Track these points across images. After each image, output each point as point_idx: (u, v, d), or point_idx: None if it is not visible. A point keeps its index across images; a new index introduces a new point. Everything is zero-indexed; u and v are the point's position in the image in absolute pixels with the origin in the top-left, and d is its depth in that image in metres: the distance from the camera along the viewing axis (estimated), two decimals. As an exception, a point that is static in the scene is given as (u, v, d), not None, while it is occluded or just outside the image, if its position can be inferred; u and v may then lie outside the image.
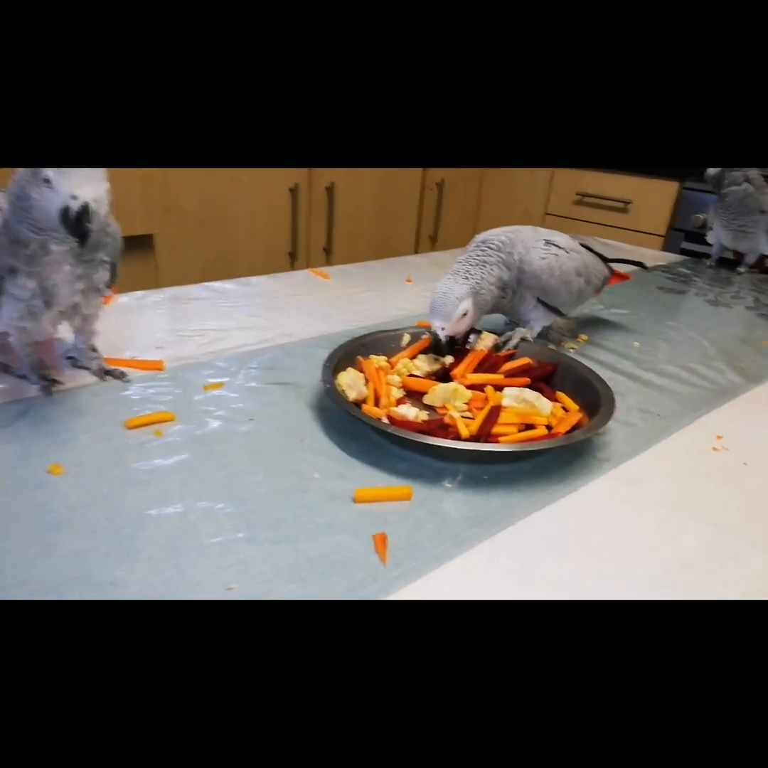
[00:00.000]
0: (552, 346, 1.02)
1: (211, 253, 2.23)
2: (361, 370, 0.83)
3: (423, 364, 0.86)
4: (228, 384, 0.83)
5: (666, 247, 2.49)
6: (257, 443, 0.69)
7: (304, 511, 0.58)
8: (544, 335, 1.04)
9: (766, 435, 0.80)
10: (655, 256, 1.80)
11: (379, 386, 0.79)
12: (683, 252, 2.41)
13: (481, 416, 0.72)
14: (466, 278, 0.84)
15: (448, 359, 0.85)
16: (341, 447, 0.69)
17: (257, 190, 2.28)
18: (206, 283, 1.24)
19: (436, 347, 0.84)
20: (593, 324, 1.16)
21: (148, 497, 0.59)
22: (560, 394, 0.81)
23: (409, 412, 0.71)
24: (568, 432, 0.71)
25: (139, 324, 1.02)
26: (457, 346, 0.85)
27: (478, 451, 0.64)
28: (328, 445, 0.70)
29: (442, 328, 0.82)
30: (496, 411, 0.72)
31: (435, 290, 0.83)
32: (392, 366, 0.85)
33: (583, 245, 1.01)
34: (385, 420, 0.71)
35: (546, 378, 0.85)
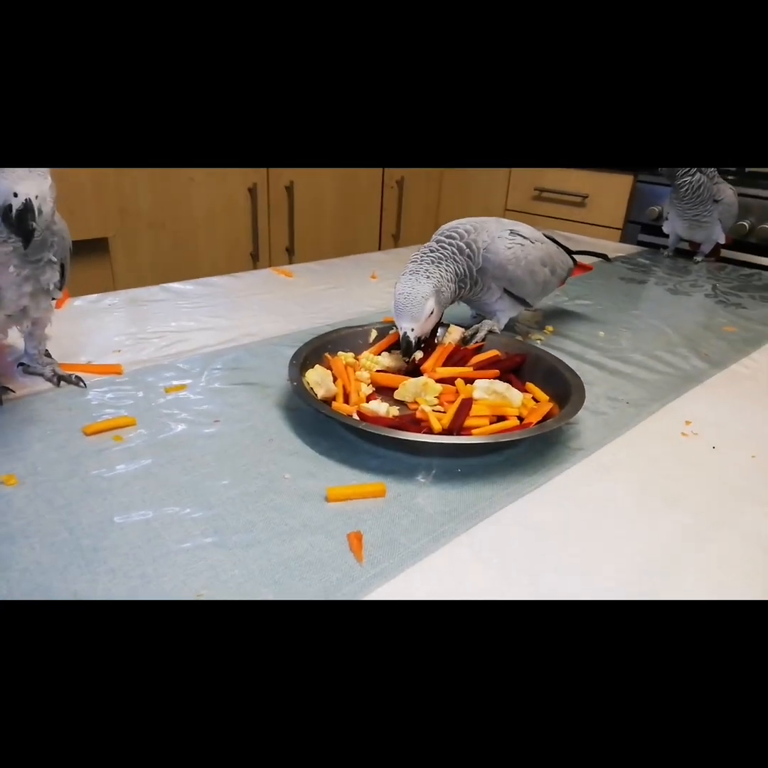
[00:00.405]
0: (519, 338, 1.02)
1: (169, 256, 2.18)
2: (328, 368, 0.81)
3: (388, 361, 0.84)
4: (191, 386, 0.80)
5: (624, 240, 2.54)
6: (223, 445, 0.67)
7: (276, 512, 0.56)
8: (510, 327, 1.04)
9: (732, 419, 0.81)
10: (615, 247, 1.83)
11: (348, 383, 0.77)
12: (641, 244, 2.46)
13: (452, 409, 0.71)
14: (428, 277, 0.82)
15: (419, 354, 0.83)
16: (311, 446, 0.67)
17: (214, 191, 2.23)
18: (165, 284, 1.21)
19: (406, 349, 0.82)
20: (559, 315, 1.16)
21: (109, 505, 0.56)
22: (530, 385, 0.81)
23: (380, 407, 0.70)
24: (539, 422, 0.71)
25: (94, 328, 0.98)
26: (423, 345, 0.84)
27: (451, 444, 0.63)
28: (297, 444, 0.68)
29: (412, 329, 0.81)
30: (467, 404, 0.71)
31: (396, 291, 0.82)
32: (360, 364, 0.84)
33: (546, 236, 1.01)
34: (356, 417, 0.70)
35: (515, 369, 0.85)
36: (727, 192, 1.56)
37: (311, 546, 0.52)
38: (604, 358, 0.97)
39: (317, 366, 0.77)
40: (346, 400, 0.75)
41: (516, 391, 0.74)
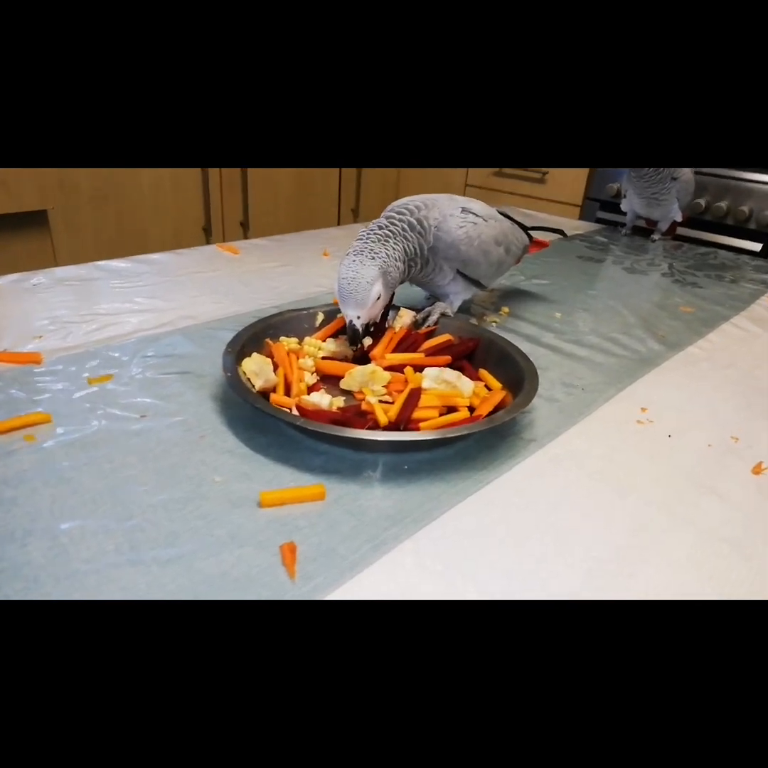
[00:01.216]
0: (473, 321, 0.98)
1: (114, 231, 2.06)
2: (270, 355, 0.76)
3: (335, 347, 0.80)
4: (118, 376, 0.73)
5: (583, 217, 2.53)
6: (149, 444, 0.61)
7: (202, 522, 0.51)
8: (465, 310, 1.00)
9: (688, 404, 0.79)
10: (573, 225, 1.80)
11: (289, 372, 0.72)
12: (599, 221, 2.45)
13: (400, 401, 0.66)
14: (373, 258, 0.76)
15: (368, 340, 0.79)
16: (247, 442, 0.62)
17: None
18: (99, 262, 1.12)
19: (352, 338, 0.77)
20: (515, 296, 1.13)
21: (12, 518, 0.50)
22: (483, 372, 0.77)
23: (322, 400, 0.65)
24: (491, 413, 0.67)
25: (14, 311, 0.90)
26: (372, 329, 0.79)
27: (394, 441, 0.59)
28: (232, 441, 0.62)
29: (358, 317, 0.76)
30: (415, 394, 0.67)
31: (339, 275, 0.76)
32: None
33: (501, 213, 0.97)
34: (295, 411, 0.65)
35: (468, 355, 0.81)
36: (685, 170, 1.55)
37: (239, 560, 0.47)
38: (560, 341, 0.94)
39: (255, 354, 0.72)
40: (287, 392, 0.69)
41: (467, 379, 0.70)
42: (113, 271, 1.09)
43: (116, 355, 0.78)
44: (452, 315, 0.88)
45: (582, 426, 0.72)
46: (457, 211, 0.85)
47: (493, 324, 0.99)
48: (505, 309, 1.05)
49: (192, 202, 2.24)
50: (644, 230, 1.69)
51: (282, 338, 0.79)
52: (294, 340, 0.79)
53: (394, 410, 0.65)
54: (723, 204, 2.17)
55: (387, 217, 0.82)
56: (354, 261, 0.76)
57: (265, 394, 0.68)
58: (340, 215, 2.83)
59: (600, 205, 2.47)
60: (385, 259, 0.77)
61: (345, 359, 0.80)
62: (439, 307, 0.86)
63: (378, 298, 0.76)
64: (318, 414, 0.63)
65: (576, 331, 0.99)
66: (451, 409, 0.68)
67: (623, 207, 1.68)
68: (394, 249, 0.79)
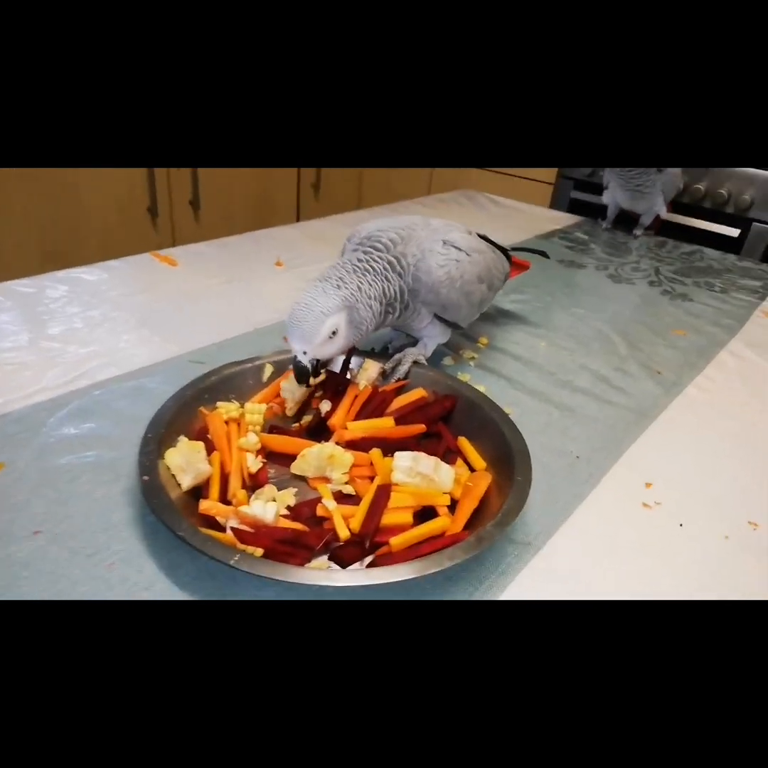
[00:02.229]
0: (450, 360, 0.85)
1: (47, 211, 1.84)
2: (202, 431, 0.62)
3: (290, 392, 0.67)
4: (11, 465, 0.59)
5: (556, 195, 2.40)
6: (37, 584, 0.47)
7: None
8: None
9: (696, 477, 0.68)
10: (548, 215, 1.67)
11: (227, 459, 0.59)
12: (573, 202, 2.33)
13: (365, 503, 0.54)
14: (338, 287, 0.63)
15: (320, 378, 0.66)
16: (170, 574, 0.49)
17: (94, 137, 1.89)
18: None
19: (297, 375, 0.64)
20: (493, 320, 1.00)
21: None
22: (462, 442, 0.65)
23: (267, 511, 0.51)
24: (476, 510, 0.55)
25: None
26: (321, 372, 0.66)
27: (354, 587, 0.46)
28: (149, 573, 0.49)
29: (304, 352, 0.63)
30: (384, 493, 0.54)
31: (296, 301, 0.63)
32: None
33: (480, 236, 0.83)
34: (235, 522, 0.51)
35: (445, 415, 0.68)
36: (672, 162, 1.43)
37: None
38: (548, 384, 0.83)
39: (182, 439, 0.58)
40: (224, 492, 0.56)
41: (446, 468, 0.57)
42: (17, 295, 0.92)
43: (12, 430, 0.63)
44: (425, 362, 0.74)
45: (581, 516, 0.60)
46: (438, 244, 0.71)
47: (472, 361, 0.86)
48: (484, 339, 0.92)
49: (134, 178, 2.03)
50: (626, 219, 1.57)
51: (219, 404, 0.65)
52: (234, 405, 0.65)
53: (357, 518, 0.53)
54: (701, 185, 2.07)
55: (364, 251, 0.68)
56: (315, 287, 0.63)
57: (197, 494, 0.55)
58: (301, 191, 2.63)
59: (574, 184, 2.34)
60: (354, 292, 0.64)
61: (298, 421, 0.67)
62: (410, 355, 0.73)
63: (333, 335, 0.63)
64: (258, 536, 0.49)
65: (563, 368, 0.87)
66: (428, 508, 0.56)
67: (605, 199, 1.56)
68: (370, 285, 0.65)
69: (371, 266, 0.67)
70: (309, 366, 0.63)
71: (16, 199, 1.76)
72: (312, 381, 0.65)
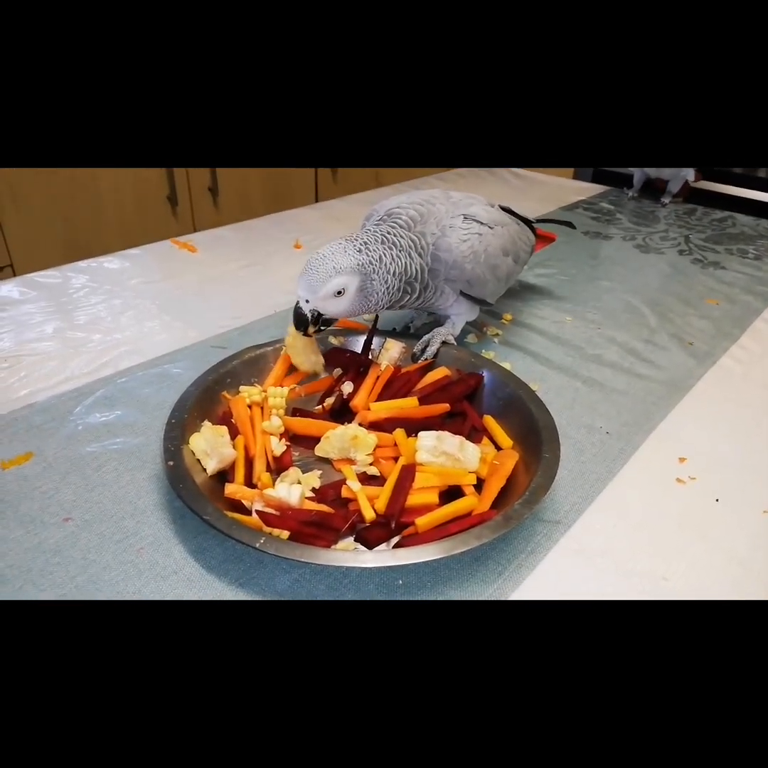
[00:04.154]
0: (473, 338, 0.83)
1: (66, 202, 1.86)
2: (227, 416, 0.62)
3: (292, 348, 0.66)
4: (40, 453, 0.59)
5: (579, 168, 2.33)
6: (68, 571, 0.47)
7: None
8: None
9: (732, 450, 0.66)
10: (572, 186, 1.62)
11: (251, 443, 0.58)
12: (597, 172, 2.26)
13: (389, 484, 0.53)
14: (359, 251, 0.63)
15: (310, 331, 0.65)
16: (197, 557, 0.49)
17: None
18: (20, 277, 0.95)
19: (296, 321, 0.64)
20: (518, 295, 0.98)
21: None
22: (488, 420, 0.63)
23: (292, 493, 0.51)
24: (503, 489, 0.54)
25: None
26: (322, 328, 0.65)
27: (380, 568, 0.46)
28: (177, 556, 0.49)
29: (307, 301, 0.62)
30: (408, 475, 0.53)
31: (316, 251, 0.62)
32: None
33: (502, 208, 0.81)
34: (259, 505, 0.51)
35: (469, 394, 0.67)
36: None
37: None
38: (575, 359, 0.81)
39: (206, 424, 0.58)
40: (249, 475, 0.56)
41: (471, 447, 0.56)
42: (42, 287, 0.93)
43: (39, 420, 0.64)
44: (454, 341, 0.73)
45: (612, 493, 0.59)
46: (458, 220, 0.69)
47: (496, 338, 0.84)
48: (508, 315, 0.90)
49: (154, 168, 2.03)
50: (651, 190, 1.52)
51: (242, 388, 0.65)
52: (256, 388, 0.65)
53: (382, 499, 0.52)
54: (732, 151, 1.99)
55: (390, 226, 0.67)
56: (339, 243, 0.63)
57: (221, 479, 0.55)
58: (318, 174, 2.61)
59: (598, 155, 2.27)
60: (374, 261, 0.63)
61: (321, 403, 0.67)
62: (439, 335, 0.71)
63: (339, 294, 0.62)
64: (284, 519, 0.49)
65: (591, 342, 0.85)
66: (454, 488, 0.55)
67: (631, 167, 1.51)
68: (393, 260, 0.64)
69: (398, 241, 0.66)
70: (309, 315, 0.63)
71: (36, 191, 1.78)
72: (310, 331, 0.65)
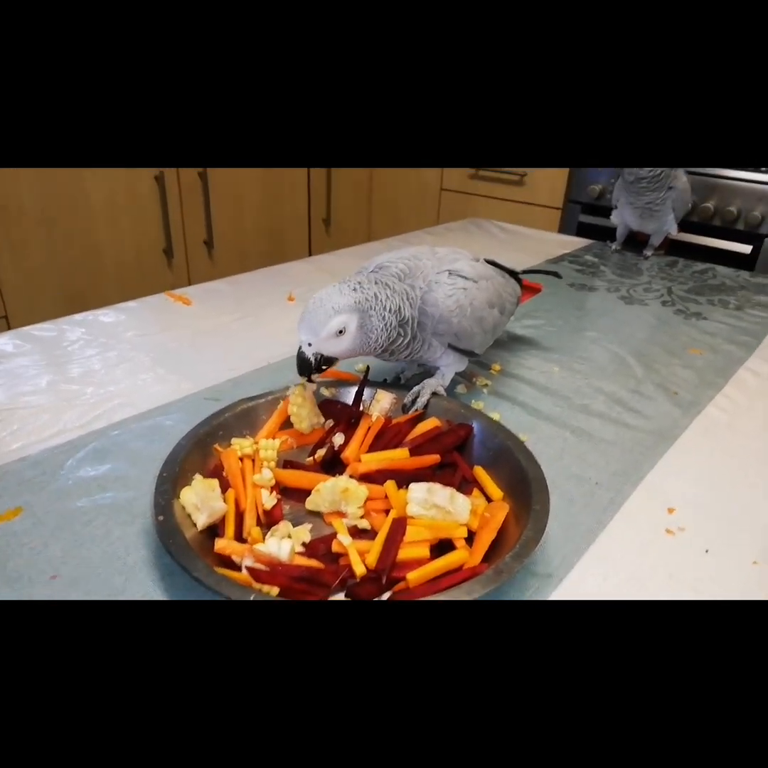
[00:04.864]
0: (463, 388, 0.85)
1: (65, 257, 1.89)
2: (218, 469, 0.62)
3: (296, 406, 0.67)
4: (29, 507, 0.59)
5: (564, 220, 2.41)
6: (57, 629, 0.47)
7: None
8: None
9: (719, 501, 0.67)
10: (557, 240, 1.68)
11: (241, 496, 0.59)
12: (582, 226, 2.34)
13: (380, 538, 0.53)
14: (354, 290, 0.65)
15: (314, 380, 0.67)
16: (187, 613, 0.49)
17: (114, 180, 1.95)
18: (16, 330, 0.96)
19: (299, 366, 0.65)
20: (505, 346, 1.00)
21: None
22: (478, 471, 0.64)
23: (282, 548, 0.51)
24: (494, 541, 0.54)
25: None
26: (325, 367, 0.66)
27: None
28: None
29: (309, 344, 0.64)
30: (399, 527, 0.54)
31: (313, 295, 0.64)
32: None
33: (488, 261, 0.84)
34: (250, 561, 0.51)
35: (461, 445, 0.68)
36: (682, 178, 1.43)
37: None
38: (563, 409, 0.82)
39: (197, 477, 0.58)
40: (240, 528, 0.56)
41: (461, 498, 0.57)
42: (36, 340, 0.94)
43: (30, 473, 0.64)
44: (444, 392, 0.74)
45: (603, 545, 0.59)
46: (444, 276, 0.71)
47: (485, 388, 0.86)
48: (496, 366, 0.92)
49: (149, 221, 2.08)
50: (634, 242, 1.57)
51: (234, 440, 0.65)
52: (248, 442, 0.65)
53: (373, 554, 0.52)
54: (710, 204, 2.07)
55: (380, 273, 0.70)
56: (334, 286, 0.65)
57: (211, 532, 0.55)
58: (311, 226, 2.68)
59: (582, 208, 2.35)
60: (370, 298, 0.65)
61: (312, 455, 0.67)
62: (428, 386, 0.73)
63: (340, 333, 0.63)
64: (274, 575, 0.49)
65: (579, 392, 0.87)
66: (445, 541, 0.55)
67: (614, 219, 1.56)
68: (388, 298, 0.66)
69: (391, 283, 0.68)
70: (312, 359, 0.64)
71: (35, 245, 1.81)
72: (314, 377, 0.66)
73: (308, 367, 0.65)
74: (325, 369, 0.67)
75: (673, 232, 1.51)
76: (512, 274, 0.88)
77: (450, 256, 0.75)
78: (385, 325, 0.67)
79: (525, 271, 0.94)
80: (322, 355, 0.65)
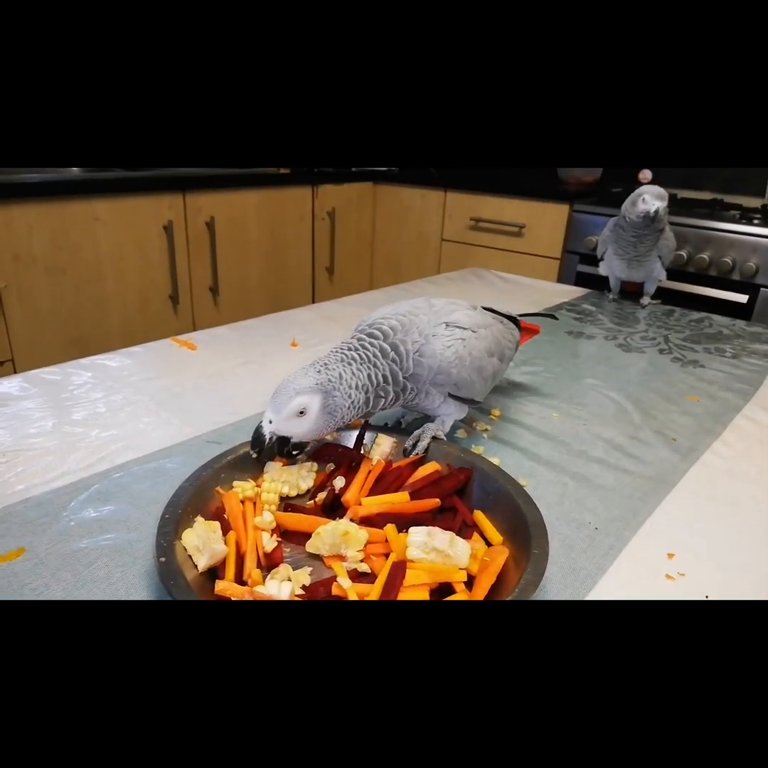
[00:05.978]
0: (463, 433, 0.86)
1: (73, 303, 1.94)
2: (219, 511, 0.62)
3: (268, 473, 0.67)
4: (32, 548, 0.59)
5: (562, 270, 2.47)
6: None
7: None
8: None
9: (718, 547, 0.67)
10: (555, 289, 1.71)
11: (242, 539, 0.59)
12: (579, 275, 2.39)
13: (380, 581, 0.53)
14: (318, 372, 0.66)
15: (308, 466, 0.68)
16: (185, 657, 0.48)
17: (122, 230, 2.01)
18: (21, 374, 0.98)
19: (253, 441, 0.66)
20: (505, 392, 1.01)
21: None
22: (478, 516, 0.64)
23: (281, 591, 0.51)
24: (494, 585, 0.54)
25: None
26: (296, 453, 0.68)
27: None
28: (165, 655, 0.49)
29: (270, 421, 0.65)
30: (399, 571, 0.54)
31: (285, 377, 0.67)
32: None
33: (486, 309, 0.86)
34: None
35: (461, 489, 0.68)
36: (664, 226, 1.47)
37: None
38: (562, 455, 0.83)
39: (199, 520, 0.58)
40: (240, 570, 0.56)
41: (461, 543, 0.57)
42: (42, 383, 0.95)
43: (33, 514, 0.64)
44: (444, 438, 0.75)
45: (603, 588, 0.59)
46: (441, 328, 0.73)
47: (485, 433, 0.87)
48: (496, 411, 0.93)
49: (157, 269, 2.14)
50: (631, 292, 1.61)
51: (235, 483, 0.66)
52: (250, 484, 0.66)
53: (373, 598, 0.52)
54: (705, 255, 2.13)
55: (358, 339, 0.71)
56: (302, 369, 0.67)
57: (212, 575, 0.55)
58: (315, 274, 2.74)
59: (580, 258, 2.41)
60: (333, 379, 0.66)
61: (313, 498, 0.68)
62: (429, 430, 0.74)
63: (302, 414, 0.64)
64: (275, 617, 0.49)
65: (578, 438, 0.87)
66: (444, 584, 0.55)
67: (602, 271, 1.60)
68: (354, 375, 0.68)
69: (358, 354, 0.69)
70: (267, 436, 0.65)
71: (43, 291, 1.86)
72: (269, 457, 0.67)
73: (260, 442, 0.65)
74: (296, 454, 0.68)
75: (663, 277, 1.54)
76: (510, 318, 0.91)
77: (447, 307, 0.77)
78: (353, 402, 0.68)
79: (522, 315, 0.96)
80: (277, 435, 0.65)
